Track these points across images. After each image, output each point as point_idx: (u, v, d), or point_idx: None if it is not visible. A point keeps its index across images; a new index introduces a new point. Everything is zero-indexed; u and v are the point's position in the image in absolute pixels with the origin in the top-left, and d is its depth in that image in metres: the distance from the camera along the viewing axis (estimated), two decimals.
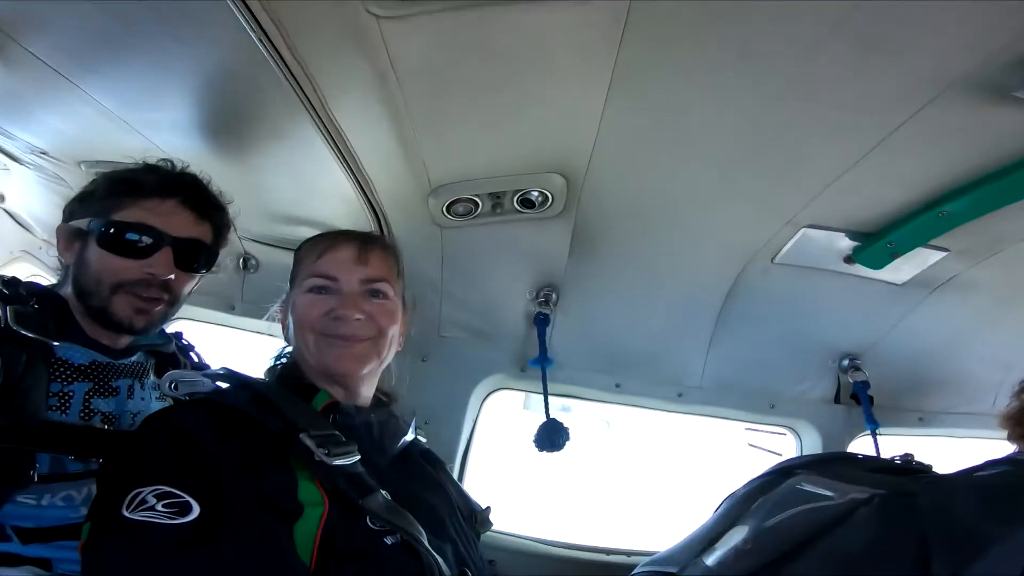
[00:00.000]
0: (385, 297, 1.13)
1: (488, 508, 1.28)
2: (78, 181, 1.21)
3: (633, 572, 1.32)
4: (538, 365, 1.69)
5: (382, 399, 1.23)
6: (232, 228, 1.59)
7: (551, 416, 1.64)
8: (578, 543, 1.81)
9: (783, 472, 1.29)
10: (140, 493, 0.80)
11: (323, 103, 1.08)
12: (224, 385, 1.05)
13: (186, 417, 0.96)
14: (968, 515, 0.88)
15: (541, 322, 1.69)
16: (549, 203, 1.40)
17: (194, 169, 1.21)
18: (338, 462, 0.92)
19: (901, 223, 1.33)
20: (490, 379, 1.78)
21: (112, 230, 1.07)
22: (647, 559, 1.32)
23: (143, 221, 1.08)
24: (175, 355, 1.30)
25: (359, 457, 0.97)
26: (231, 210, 1.27)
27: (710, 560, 1.12)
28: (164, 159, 1.18)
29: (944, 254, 1.41)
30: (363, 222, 1.51)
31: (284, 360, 1.19)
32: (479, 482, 1.80)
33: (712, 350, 1.72)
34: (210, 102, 1.23)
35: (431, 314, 1.69)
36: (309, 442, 0.92)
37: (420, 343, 1.47)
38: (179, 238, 1.11)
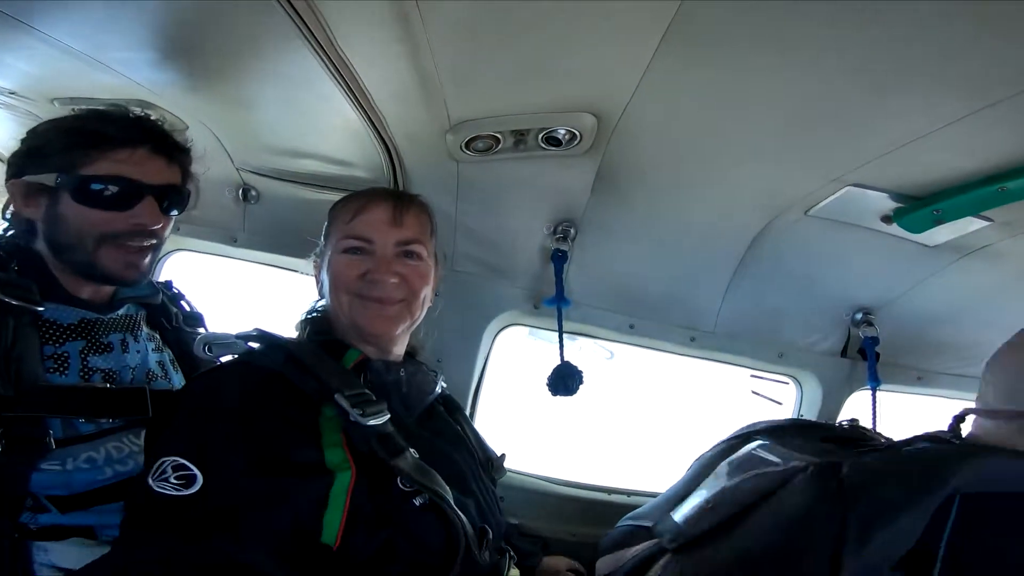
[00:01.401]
0: (419, 258, 1.13)
1: (503, 456, 1.35)
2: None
3: (617, 525, 1.40)
4: (554, 304, 1.64)
5: (409, 351, 1.25)
6: (229, 159, 1.48)
7: (565, 359, 1.62)
8: (581, 482, 1.89)
9: (745, 437, 1.34)
10: (163, 463, 0.82)
11: (332, 41, 0.95)
12: (256, 346, 1.04)
13: (220, 388, 0.96)
14: (887, 500, 0.89)
15: (559, 259, 1.61)
16: (577, 141, 1.29)
17: (178, 105, 1.11)
18: (372, 422, 0.94)
19: (954, 192, 1.23)
20: (503, 315, 1.75)
21: (89, 185, 1.01)
22: (629, 514, 1.39)
23: (119, 173, 1.02)
24: (165, 305, 1.27)
25: (389, 416, 0.98)
26: (223, 143, 1.17)
27: (678, 517, 1.19)
28: (114, 104, 1.10)
29: (987, 224, 1.34)
30: (373, 155, 1.40)
31: (316, 314, 1.18)
32: (488, 414, 1.84)
33: (729, 296, 1.69)
34: (189, 38, 1.09)
35: (445, 248, 1.62)
36: (344, 403, 0.93)
37: None
38: (157, 186, 1.06)
